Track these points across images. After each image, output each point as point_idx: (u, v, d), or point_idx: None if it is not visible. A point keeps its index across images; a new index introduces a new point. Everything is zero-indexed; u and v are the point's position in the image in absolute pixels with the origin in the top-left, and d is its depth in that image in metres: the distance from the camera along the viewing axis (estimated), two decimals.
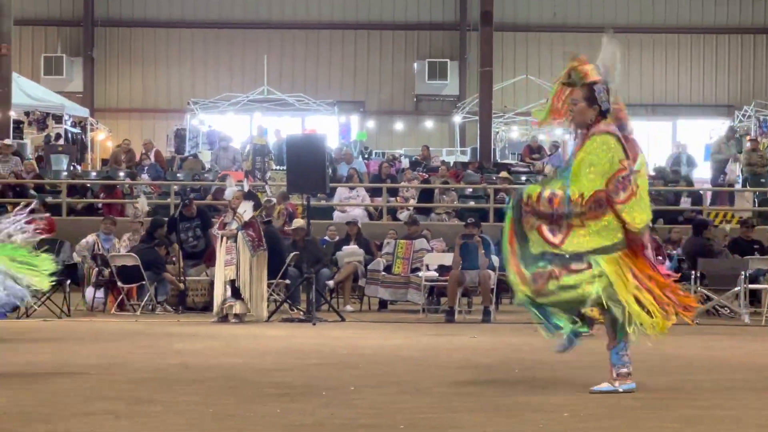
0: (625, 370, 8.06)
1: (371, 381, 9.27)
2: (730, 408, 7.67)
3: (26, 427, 6.96)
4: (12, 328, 14.72)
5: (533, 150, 30.19)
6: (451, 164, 28.81)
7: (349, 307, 18.44)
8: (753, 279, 17.43)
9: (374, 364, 10.40)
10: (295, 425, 7.07)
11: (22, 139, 28.26)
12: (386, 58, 34.71)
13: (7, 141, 25.98)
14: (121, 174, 26.13)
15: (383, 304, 18.97)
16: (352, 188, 24.67)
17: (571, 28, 34.36)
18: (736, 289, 16.95)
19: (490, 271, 16.85)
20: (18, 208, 10.16)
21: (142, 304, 17.47)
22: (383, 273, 18.57)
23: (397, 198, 25.14)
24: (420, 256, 18.50)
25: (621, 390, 8.02)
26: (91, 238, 18.50)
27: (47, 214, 19.97)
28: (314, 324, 15.25)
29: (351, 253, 19.29)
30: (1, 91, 27.01)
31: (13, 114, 27.67)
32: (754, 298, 17.95)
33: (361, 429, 6.92)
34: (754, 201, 25.90)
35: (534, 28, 35.07)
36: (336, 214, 23.58)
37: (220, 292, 15.92)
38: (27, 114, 29.39)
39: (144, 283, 17.53)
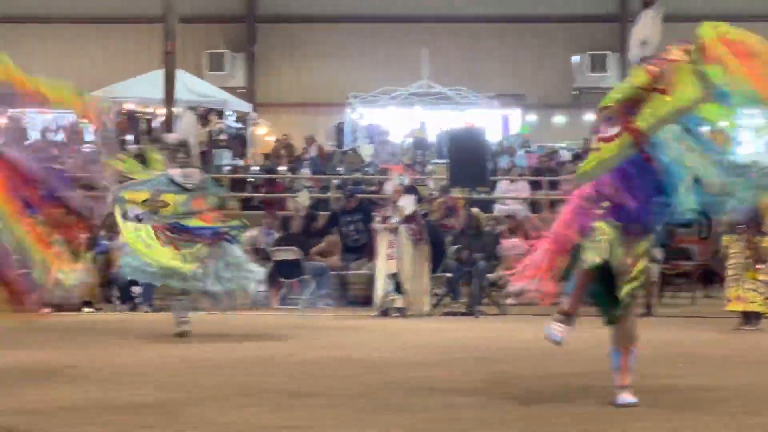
0: None
1: (536, 374, 9.17)
2: None
3: (194, 417, 7.06)
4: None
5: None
6: None
7: (510, 300, 18.31)
8: None
9: (536, 358, 10.27)
10: (459, 419, 7.03)
11: None
12: (545, 51, 34.40)
13: (172, 136, 26.42)
14: (282, 168, 26.39)
15: None
16: (512, 181, 24.54)
17: (732, 17, 33.57)
18: None
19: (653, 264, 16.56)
20: None
21: (304, 297, 17.61)
22: None
23: (558, 191, 24.87)
24: None
25: None
26: (252, 232, 18.70)
27: None
28: (477, 317, 15.18)
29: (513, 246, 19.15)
30: (167, 87, 27.53)
31: (178, 110, 28.17)
32: None
33: (518, 423, 6.85)
34: None
35: (694, 18, 34.30)
36: (497, 207, 23.45)
37: (381, 285, 15.95)
38: (191, 109, 29.84)
39: (305, 277, 17.67)
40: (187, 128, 14.04)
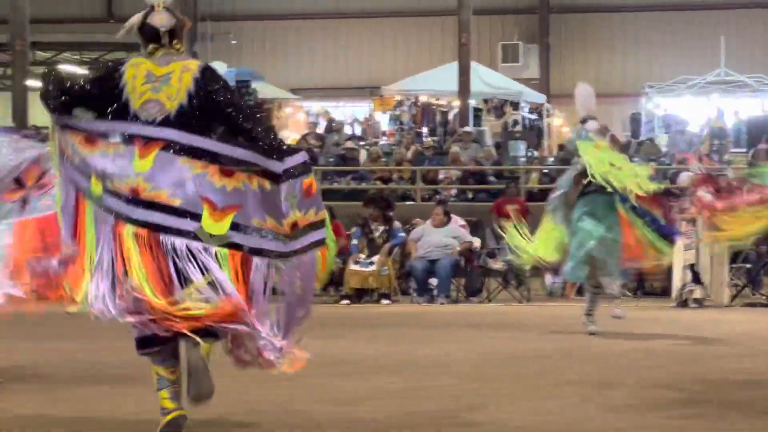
0: None
1: None
2: None
3: (509, 406, 7.11)
4: (475, 313, 15.13)
5: None
6: None
7: None
8: None
9: None
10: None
11: (481, 126, 28.94)
12: None
13: (468, 128, 26.71)
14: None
15: None
16: None
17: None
18: None
19: None
20: None
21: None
22: None
23: None
24: None
25: None
26: None
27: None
28: None
29: None
30: (462, 79, 27.81)
31: (472, 102, 28.42)
32: None
33: None
34: None
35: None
36: None
37: (679, 276, 15.68)
38: (485, 101, 30.07)
39: None
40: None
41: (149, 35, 5.81)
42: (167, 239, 5.45)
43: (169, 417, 5.67)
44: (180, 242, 5.45)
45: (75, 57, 33.26)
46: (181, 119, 5.61)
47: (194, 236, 5.46)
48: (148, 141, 5.53)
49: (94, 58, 31.65)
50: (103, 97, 5.68)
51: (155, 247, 5.45)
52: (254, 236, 5.53)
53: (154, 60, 5.74)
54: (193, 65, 5.78)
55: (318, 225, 5.66)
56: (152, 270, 5.43)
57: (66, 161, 5.69)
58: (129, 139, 5.56)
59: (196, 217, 5.46)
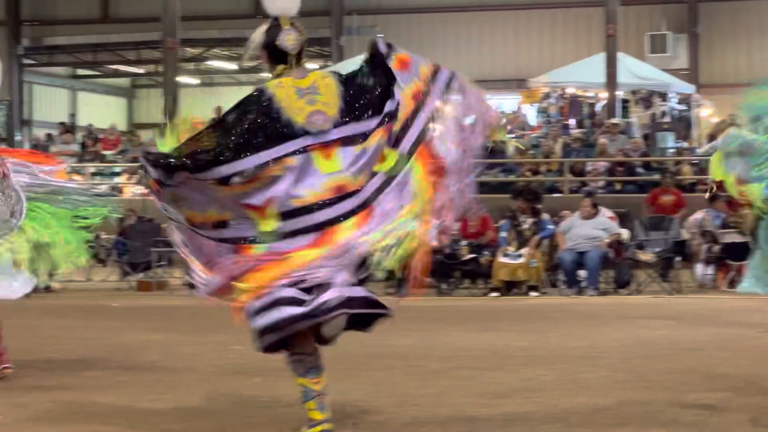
0: None
1: None
2: None
3: (660, 398, 7.05)
4: (625, 305, 15.00)
5: None
6: None
7: None
8: None
9: None
10: None
11: (628, 117, 28.64)
12: None
13: (615, 120, 26.47)
14: None
15: None
16: None
17: None
18: None
19: None
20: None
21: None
22: None
23: None
24: None
25: None
26: (700, 215, 18.42)
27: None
28: None
29: None
30: (609, 71, 27.54)
31: (620, 93, 28.13)
32: None
33: None
34: None
35: None
36: None
37: None
38: (633, 93, 29.72)
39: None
40: None
41: (277, 56, 5.85)
42: (381, 198, 5.71)
43: (318, 428, 5.70)
44: (389, 193, 5.74)
45: (224, 53, 33.81)
46: (344, 119, 5.71)
47: None
48: (325, 144, 5.65)
49: (242, 53, 32.12)
50: (254, 127, 5.66)
51: (368, 216, 5.67)
52: None
53: (292, 76, 5.78)
54: (326, 73, 5.92)
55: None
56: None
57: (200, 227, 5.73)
58: (302, 151, 5.62)
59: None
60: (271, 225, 5.55)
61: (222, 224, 5.65)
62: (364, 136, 5.70)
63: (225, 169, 5.54)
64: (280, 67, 5.82)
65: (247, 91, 6.16)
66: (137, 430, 6.24)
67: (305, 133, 5.63)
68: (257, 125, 5.62)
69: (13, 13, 32.29)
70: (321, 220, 5.56)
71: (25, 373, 8.51)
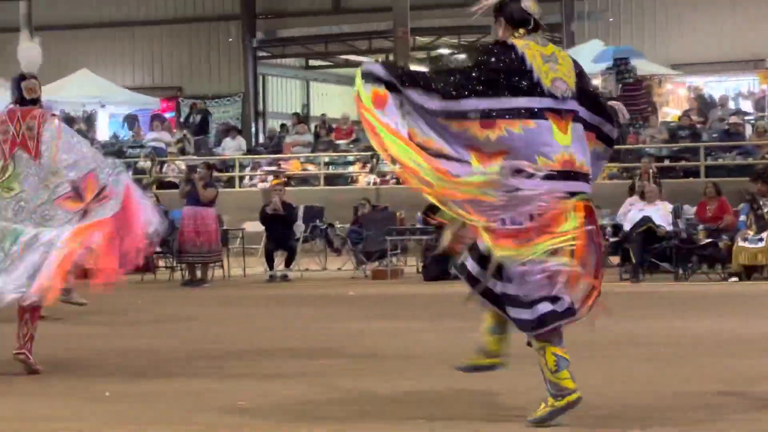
0: None
1: None
2: None
3: None
4: None
5: None
6: None
7: None
8: None
9: None
10: None
11: None
12: None
13: None
14: None
15: None
16: None
17: None
18: None
19: None
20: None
21: None
22: None
23: None
24: None
25: None
26: None
27: None
28: None
29: None
30: None
31: None
32: None
33: None
34: None
35: None
36: None
37: None
38: None
39: None
40: None
41: (520, 20, 5.96)
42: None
43: (572, 397, 5.75)
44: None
45: (453, 41, 33.90)
46: (577, 94, 5.90)
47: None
48: (561, 115, 5.80)
49: (471, 41, 32.23)
50: (501, 69, 5.80)
51: (590, 216, 5.84)
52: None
53: (533, 38, 5.92)
54: (557, 47, 6.09)
55: None
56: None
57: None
58: (540, 114, 5.74)
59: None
60: (481, 179, 5.66)
61: (439, 155, 5.75)
62: (585, 122, 5.91)
63: (468, 104, 5.73)
64: (522, 30, 5.94)
65: None
66: (378, 417, 6.31)
67: (549, 95, 5.78)
68: (502, 74, 5.78)
69: (248, 7, 33.12)
70: (543, 189, 5.66)
71: (267, 361, 8.73)
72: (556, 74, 5.84)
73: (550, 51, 5.90)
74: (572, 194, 5.74)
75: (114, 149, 27.40)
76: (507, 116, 5.73)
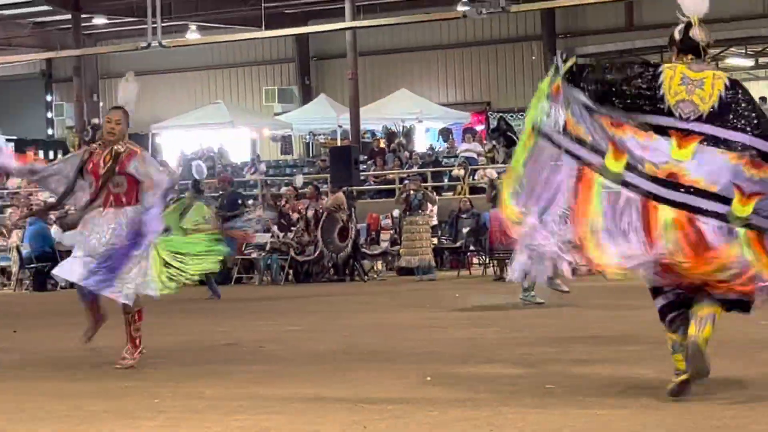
0: None
1: None
2: None
3: None
4: None
5: None
6: None
7: None
8: None
9: None
10: None
11: None
12: None
13: None
14: None
15: None
16: None
17: None
18: None
19: None
20: None
21: None
22: None
23: None
24: None
25: None
26: None
27: None
28: None
29: None
30: None
31: None
32: None
33: None
34: None
35: None
36: None
37: None
38: None
39: None
40: None
41: (688, 47, 6.22)
42: (700, 218, 5.82)
43: (682, 378, 6.01)
44: (712, 222, 5.81)
45: (740, 50, 33.06)
46: (713, 118, 5.98)
47: (723, 217, 5.83)
48: (685, 134, 5.94)
49: (758, 51, 31.37)
50: (635, 90, 6.09)
51: (687, 225, 5.82)
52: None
53: (687, 65, 6.14)
54: (723, 75, 6.14)
55: None
56: (688, 242, 5.80)
57: (564, 134, 6.08)
58: (662, 131, 5.98)
59: (728, 201, 5.82)
60: (618, 167, 5.91)
61: (581, 142, 6.04)
62: (726, 144, 5.91)
63: (605, 110, 6.04)
64: (690, 57, 6.19)
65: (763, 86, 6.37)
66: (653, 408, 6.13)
67: (670, 114, 5.97)
68: (640, 93, 6.05)
69: (549, 28, 33.23)
70: (649, 190, 5.87)
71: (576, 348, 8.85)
72: (690, 96, 5.99)
73: (700, 76, 6.06)
74: (676, 204, 5.84)
75: (431, 159, 28.08)
76: (634, 125, 6.03)
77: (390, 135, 31.05)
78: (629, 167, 5.93)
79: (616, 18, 33.39)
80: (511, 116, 32.67)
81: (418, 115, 31.74)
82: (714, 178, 5.84)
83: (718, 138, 5.93)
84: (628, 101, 6.06)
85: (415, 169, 26.64)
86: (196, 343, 10.32)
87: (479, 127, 32.60)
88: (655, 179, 5.88)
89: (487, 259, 20.71)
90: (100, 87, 36.70)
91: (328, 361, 8.44)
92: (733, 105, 5.99)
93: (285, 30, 32.04)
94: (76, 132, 34.21)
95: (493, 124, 32.64)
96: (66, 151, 30.69)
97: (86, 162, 8.44)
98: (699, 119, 5.96)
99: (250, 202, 24.17)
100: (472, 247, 21.81)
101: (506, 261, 19.03)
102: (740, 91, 6.08)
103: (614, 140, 5.97)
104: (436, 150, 30.54)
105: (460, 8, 28.58)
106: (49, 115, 38.01)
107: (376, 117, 31.73)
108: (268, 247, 21.13)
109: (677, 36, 6.26)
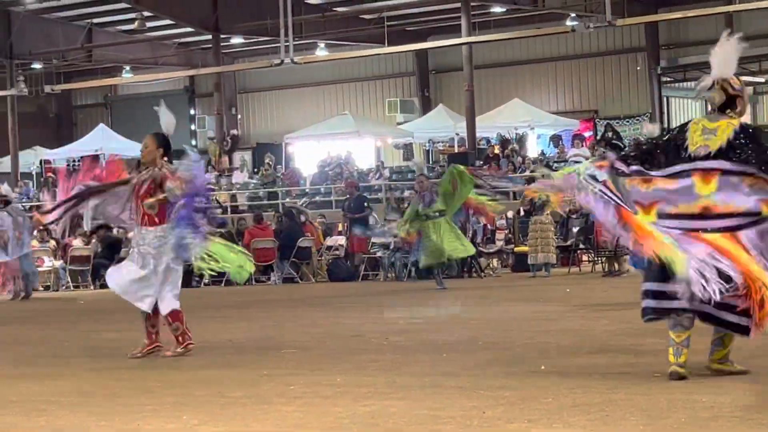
0: None
1: None
2: None
3: None
4: None
5: None
6: None
7: None
8: None
9: None
10: None
11: None
12: None
13: None
14: None
15: None
16: None
17: None
18: None
19: None
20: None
21: None
22: None
23: None
24: None
25: None
26: None
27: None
28: None
29: None
30: None
31: None
32: None
33: None
34: None
35: None
36: None
37: None
38: None
39: None
40: None
41: (719, 104, 6.66)
42: (744, 233, 6.31)
43: (671, 368, 6.48)
44: (751, 232, 6.32)
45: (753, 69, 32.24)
46: (722, 154, 6.45)
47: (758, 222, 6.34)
48: (706, 172, 6.40)
49: None
50: (668, 152, 6.61)
51: (734, 241, 6.30)
52: None
53: (708, 118, 6.64)
54: (736, 122, 6.57)
55: None
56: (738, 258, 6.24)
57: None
58: (685, 174, 6.44)
59: (757, 214, 6.34)
60: (649, 219, 6.39)
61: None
62: (744, 174, 6.34)
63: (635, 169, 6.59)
64: (710, 110, 6.73)
65: None
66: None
67: (692, 159, 6.48)
68: (667, 150, 6.61)
69: (653, 40, 32.75)
70: (687, 227, 6.35)
71: None
72: (705, 142, 6.49)
73: (715, 125, 6.54)
74: (723, 228, 6.29)
75: (543, 164, 27.89)
76: (661, 176, 6.50)
77: (504, 142, 30.93)
78: (660, 215, 6.41)
79: (716, 29, 32.62)
80: (617, 122, 32.37)
81: (529, 123, 31.57)
82: (740, 200, 6.32)
83: (732, 170, 6.38)
84: (668, 154, 6.56)
85: (527, 173, 26.47)
86: (326, 334, 10.38)
87: (587, 134, 32.28)
88: (691, 216, 6.36)
89: (595, 257, 20.55)
90: (238, 101, 37.31)
91: (448, 351, 8.41)
92: (739, 143, 6.42)
93: (406, 46, 32.10)
94: (216, 142, 34.79)
95: (600, 130, 32.31)
96: (209, 161, 31.19)
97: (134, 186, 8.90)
98: (708, 156, 6.43)
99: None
100: (581, 246, 21.61)
101: (614, 258, 18.84)
102: (750, 132, 6.52)
103: (641, 197, 6.44)
104: (547, 155, 30.33)
105: (569, 23, 28.39)
106: (193, 127, 38.63)
107: (490, 125, 31.63)
108: (392, 246, 21.19)
109: (708, 94, 6.71)
